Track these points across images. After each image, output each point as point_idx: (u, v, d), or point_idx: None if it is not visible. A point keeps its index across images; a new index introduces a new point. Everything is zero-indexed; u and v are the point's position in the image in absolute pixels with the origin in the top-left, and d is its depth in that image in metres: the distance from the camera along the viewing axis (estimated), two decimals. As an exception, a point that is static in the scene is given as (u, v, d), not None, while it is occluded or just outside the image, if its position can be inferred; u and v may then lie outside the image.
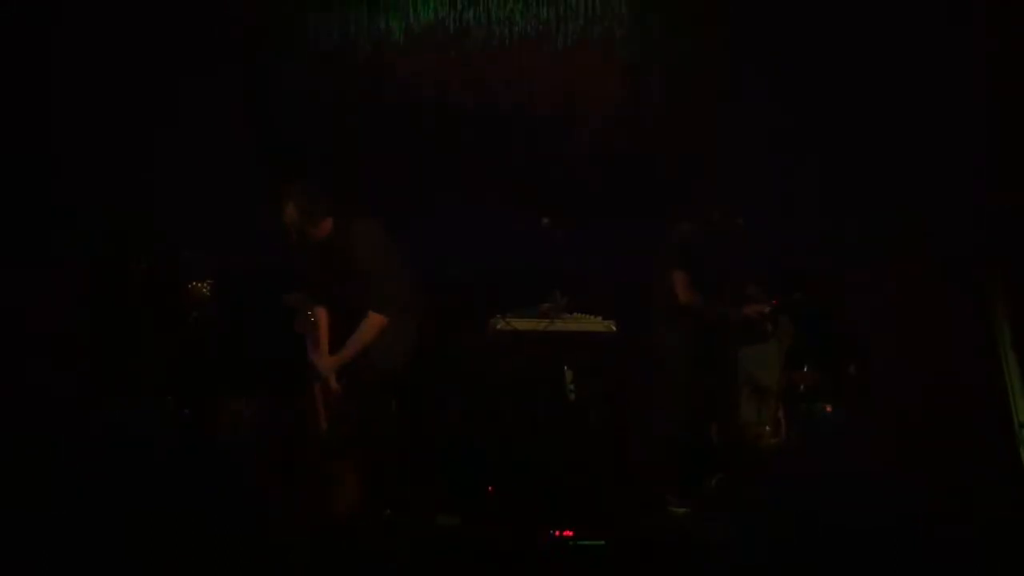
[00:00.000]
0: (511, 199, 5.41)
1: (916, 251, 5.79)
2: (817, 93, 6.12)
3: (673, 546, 4.43)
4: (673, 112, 6.22)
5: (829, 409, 5.33)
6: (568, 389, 5.21)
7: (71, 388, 4.60)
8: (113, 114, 5.25)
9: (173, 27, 5.44)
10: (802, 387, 5.52)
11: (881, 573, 3.81)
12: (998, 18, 5.62)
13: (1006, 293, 5.43)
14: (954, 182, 5.82)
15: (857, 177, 6.08)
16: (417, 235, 5.15)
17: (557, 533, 4.49)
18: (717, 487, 5.17)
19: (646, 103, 6.19)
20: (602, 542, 4.40)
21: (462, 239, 5.79)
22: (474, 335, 5.21)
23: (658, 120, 6.21)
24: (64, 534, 3.73)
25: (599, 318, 5.21)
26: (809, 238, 6.08)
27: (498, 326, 5.07)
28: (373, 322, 4.69)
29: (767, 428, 5.38)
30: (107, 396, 4.68)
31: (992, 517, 4.14)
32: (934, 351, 5.44)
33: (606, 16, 6.19)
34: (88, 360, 4.77)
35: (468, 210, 5.74)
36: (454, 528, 4.74)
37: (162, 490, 4.05)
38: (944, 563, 3.83)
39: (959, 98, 5.73)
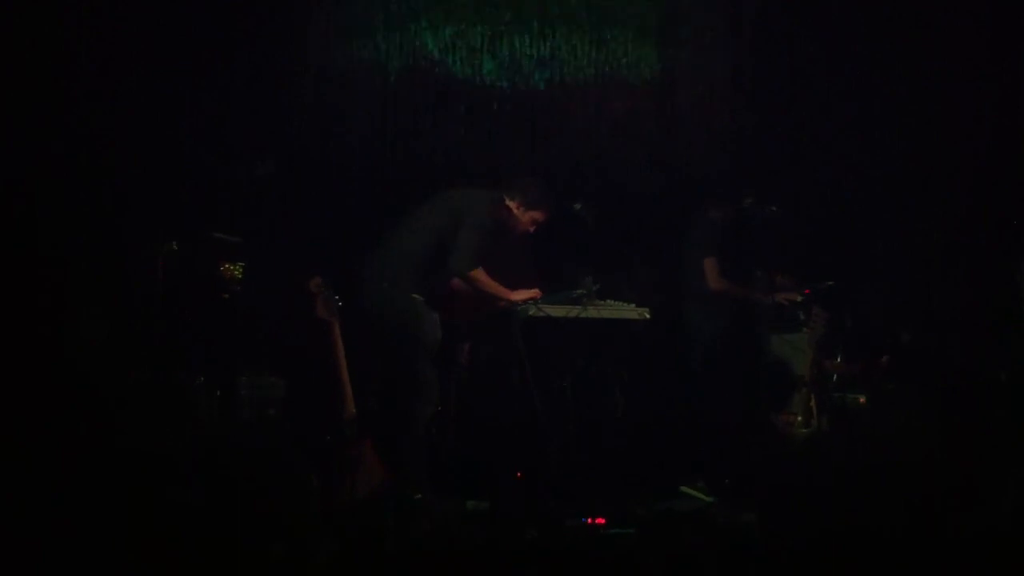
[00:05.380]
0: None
1: (943, 243, 5.78)
2: (847, 84, 6.11)
3: (699, 535, 4.42)
4: (706, 100, 6.19)
5: (863, 400, 5.30)
6: (599, 375, 5.21)
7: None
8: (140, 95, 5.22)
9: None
10: (835, 377, 5.49)
11: (902, 569, 3.80)
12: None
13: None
14: (988, 172, 5.81)
15: (887, 167, 6.06)
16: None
17: (589, 521, 4.49)
18: (745, 475, 5.15)
19: (680, 90, 6.16)
20: (632, 530, 4.40)
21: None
22: (505, 320, 5.17)
23: (693, 106, 6.17)
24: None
25: (632, 305, 5.18)
26: (842, 228, 6.05)
27: (530, 311, 5.05)
28: None
29: (798, 417, 5.36)
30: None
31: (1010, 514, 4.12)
32: (958, 341, 5.43)
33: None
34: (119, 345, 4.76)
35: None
36: (483, 513, 4.74)
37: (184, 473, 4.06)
38: (957, 562, 3.82)
39: (978, 95, 5.76)
